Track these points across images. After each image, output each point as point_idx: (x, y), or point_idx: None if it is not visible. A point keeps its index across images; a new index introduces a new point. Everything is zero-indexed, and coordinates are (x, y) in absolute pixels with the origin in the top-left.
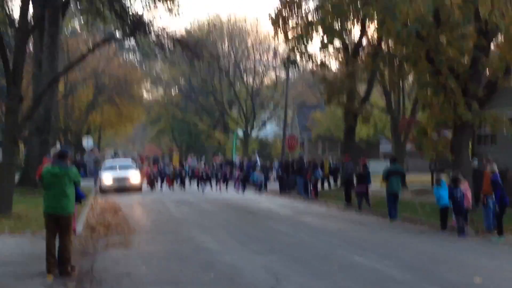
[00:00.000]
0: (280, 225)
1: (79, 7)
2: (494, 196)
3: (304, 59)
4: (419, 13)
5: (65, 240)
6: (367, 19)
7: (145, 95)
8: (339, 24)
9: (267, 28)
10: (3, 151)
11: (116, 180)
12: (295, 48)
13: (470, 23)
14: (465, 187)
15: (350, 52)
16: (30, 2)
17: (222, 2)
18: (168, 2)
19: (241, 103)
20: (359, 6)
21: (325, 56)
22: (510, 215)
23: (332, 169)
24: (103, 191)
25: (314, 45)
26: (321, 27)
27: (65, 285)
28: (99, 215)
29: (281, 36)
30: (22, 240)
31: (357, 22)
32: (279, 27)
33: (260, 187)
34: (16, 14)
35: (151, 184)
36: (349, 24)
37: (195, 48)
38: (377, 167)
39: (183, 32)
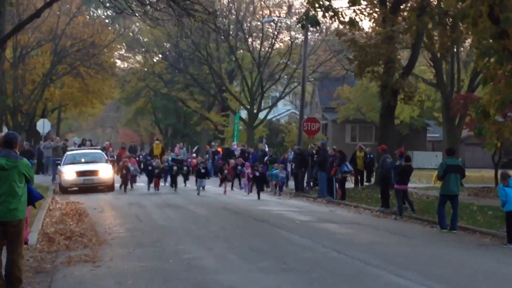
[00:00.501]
0: (295, 235)
1: None
2: None
3: (327, 17)
4: None
5: (14, 253)
6: None
7: (118, 63)
8: None
9: None
10: None
11: (81, 175)
12: (316, 1)
13: None
14: None
15: (388, 8)
16: None
17: None
18: None
19: (245, 75)
20: None
21: (355, 13)
22: None
23: (366, 163)
24: (64, 189)
25: None
26: None
27: None
28: (59, 221)
29: None
30: None
31: None
32: None
33: (281, 188)
34: None
35: (125, 182)
36: None
37: (184, 0)
38: (423, 160)
39: None
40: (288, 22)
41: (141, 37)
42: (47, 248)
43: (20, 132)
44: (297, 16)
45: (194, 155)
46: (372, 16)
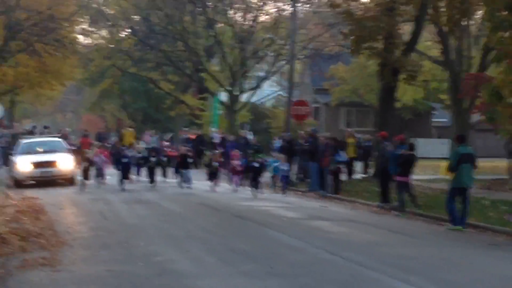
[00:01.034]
0: (283, 234)
1: None
2: None
3: None
4: None
5: None
6: None
7: (81, 39)
8: None
9: None
10: None
11: (38, 167)
12: None
13: None
14: None
15: None
16: None
17: None
18: None
19: (225, 53)
20: None
21: None
22: None
23: (362, 151)
24: (19, 183)
25: None
26: None
27: None
28: (13, 219)
29: None
30: None
31: None
32: None
33: (286, 184)
34: None
35: (86, 174)
36: None
37: None
38: (428, 148)
39: None
40: None
41: (106, 9)
42: None
43: None
44: None
45: (168, 143)
46: None
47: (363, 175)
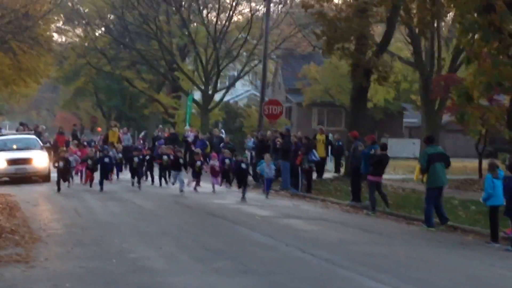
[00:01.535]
0: (256, 233)
1: None
2: None
3: None
4: None
5: None
6: None
7: (56, 38)
8: None
9: None
10: None
11: (13, 164)
12: None
13: None
14: None
15: None
16: None
17: None
18: None
19: (199, 52)
20: None
21: None
22: None
23: (334, 150)
24: None
25: None
26: None
27: None
28: None
29: None
30: None
31: None
32: None
33: (268, 187)
34: None
35: (64, 175)
36: None
37: None
38: (399, 148)
39: None
40: None
41: (81, 8)
42: None
43: None
44: None
45: (141, 141)
46: None
47: (335, 174)
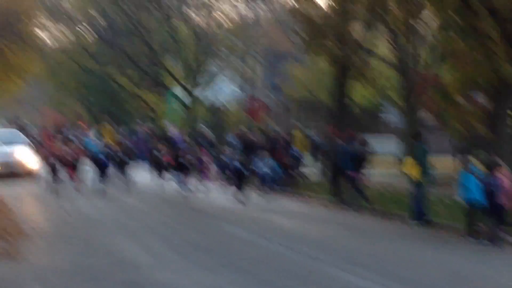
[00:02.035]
0: (239, 229)
1: None
2: None
3: None
4: None
5: None
6: None
7: (42, 36)
8: None
9: None
10: None
11: None
12: None
13: None
14: (505, 177)
15: None
16: None
17: None
18: None
19: (180, 48)
20: None
21: None
22: None
23: (313, 146)
24: None
25: None
26: None
27: None
28: None
29: None
30: None
31: None
32: None
33: (272, 184)
34: None
35: (56, 172)
36: None
37: None
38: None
39: None
40: None
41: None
42: None
43: None
44: None
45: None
46: None
47: (315, 170)
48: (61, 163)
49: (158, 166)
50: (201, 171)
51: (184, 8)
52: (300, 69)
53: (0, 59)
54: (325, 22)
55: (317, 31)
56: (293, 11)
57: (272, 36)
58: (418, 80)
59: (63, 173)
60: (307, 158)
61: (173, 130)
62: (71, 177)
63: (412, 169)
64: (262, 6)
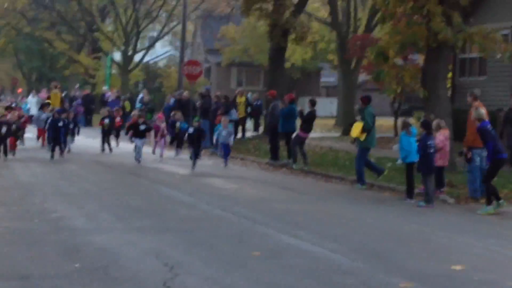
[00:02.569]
0: (176, 192)
1: None
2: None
3: None
4: None
5: None
6: None
7: None
8: None
9: None
10: None
11: None
12: None
13: None
14: (443, 137)
15: None
16: None
17: None
18: None
19: (118, 13)
20: None
21: None
22: (505, 177)
23: (252, 109)
24: None
25: None
26: None
27: None
28: None
29: None
30: None
31: None
32: None
33: (226, 153)
34: None
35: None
36: None
37: None
38: (317, 107)
39: None
40: None
41: None
42: None
43: None
44: None
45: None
46: None
47: (254, 133)
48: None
49: (106, 131)
50: (158, 137)
51: None
52: (239, 32)
53: None
54: None
55: None
56: None
57: (212, 0)
58: (357, 42)
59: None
60: (249, 122)
61: (110, 95)
62: (11, 144)
63: (360, 132)
64: None
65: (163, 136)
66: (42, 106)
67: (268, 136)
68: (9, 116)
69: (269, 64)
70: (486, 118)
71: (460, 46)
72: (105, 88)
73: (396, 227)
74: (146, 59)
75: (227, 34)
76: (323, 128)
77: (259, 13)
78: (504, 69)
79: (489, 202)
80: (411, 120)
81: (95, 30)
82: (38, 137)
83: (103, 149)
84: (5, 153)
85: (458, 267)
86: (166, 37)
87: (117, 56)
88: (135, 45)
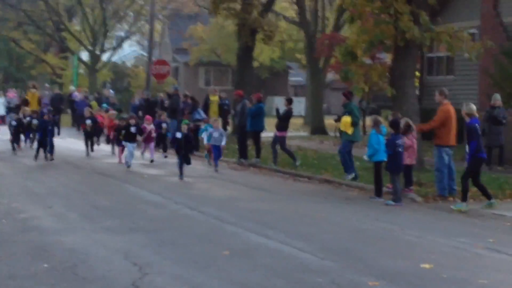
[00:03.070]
0: (144, 191)
1: None
2: (467, 148)
3: None
4: None
5: None
6: None
7: None
8: None
9: None
10: None
11: None
12: None
13: None
14: (412, 136)
15: None
16: None
17: None
18: None
19: (86, 12)
20: None
21: None
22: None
23: (220, 109)
24: None
25: None
26: None
27: None
28: None
29: None
30: None
31: None
32: None
33: (217, 156)
34: None
35: None
36: None
37: None
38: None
39: None
40: None
41: None
42: None
43: None
44: None
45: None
46: None
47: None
48: None
49: (89, 134)
50: (146, 140)
51: None
52: (207, 32)
53: None
54: None
55: None
56: None
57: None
58: (325, 41)
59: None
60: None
61: (77, 95)
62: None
63: (349, 126)
64: None
65: (151, 138)
66: (18, 107)
67: (236, 136)
68: None
69: (237, 63)
70: (477, 115)
71: (428, 45)
72: (72, 87)
73: (364, 226)
74: (114, 58)
75: (195, 33)
76: (292, 127)
77: (227, 12)
78: (472, 68)
79: (464, 199)
80: (381, 119)
81: (62, 29)
82: (12, 142)
83: (87, 153)
84: None
85: (427, 265)
86: (134, 37)
87: (85, 55)
88: (103, 45)
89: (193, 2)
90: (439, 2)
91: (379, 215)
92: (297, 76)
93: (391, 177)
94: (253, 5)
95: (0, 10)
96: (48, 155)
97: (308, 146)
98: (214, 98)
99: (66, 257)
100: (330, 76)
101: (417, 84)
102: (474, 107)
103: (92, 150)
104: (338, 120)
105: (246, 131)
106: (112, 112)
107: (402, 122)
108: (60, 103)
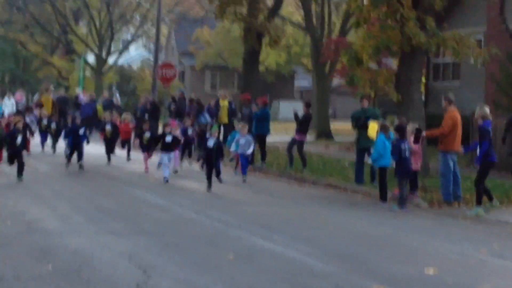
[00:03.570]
0: (150, 195)
1: None
2: (478, 150)
3: None
4: None
5: None
6: None
7: None
8: None
9: None
10: None
11: None
12: None
13: None
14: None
15: None
16: None
17: None
18: None
19: (92, 15)
20: None
21: None
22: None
23: (231, 114)
24: None
25: None
26: None
27: None
28: None
29: None
30: None
31: None
32: None
33: (245, 165)
34: None
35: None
36: None
37: None
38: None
39: None
40: None
41: None
42: None
43: None
44: None
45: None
46: None
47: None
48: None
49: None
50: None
51: None
52: (213, 36)
53: None
54: None
55: None
56: None
57: (186, 3)
58: (331, 46)
59: None
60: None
61: (83, 98)
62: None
63: (375, 132)
64: None
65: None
66: (27, 109)
67: None
68: None
69: (243, 67)
70: (490, 118)
71: (434, 51)
72: (78, 90)
73: (369, 231)
74: (120, 61)
75: (201, 37)
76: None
77: (233, 16)
78: (478, 73)
79: (479, 203)
80: (388, 124)
81: (68, 32)
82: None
83: (109, 161)
84: None
85: (431, 271)
86: (140, 40)
87: (91, 58)
88: (109, 47)
89: (199, 6)
90: (445, 8)
91: (384, 220)
92: (303, 81)
93: (399, 182)
94: (259, 10)
95: (7, 13)
96: (80, 162)
97: (314, 150)
98: (224, 103)
99: (70, 259)
100: (336, 80)
101: (423, 89)
102: (488, 110)
103: (113, 152)
104: (362, 126)
105: (253, 135)
106: (127, 115)
107: (409, 127)
108: (65, 105)
